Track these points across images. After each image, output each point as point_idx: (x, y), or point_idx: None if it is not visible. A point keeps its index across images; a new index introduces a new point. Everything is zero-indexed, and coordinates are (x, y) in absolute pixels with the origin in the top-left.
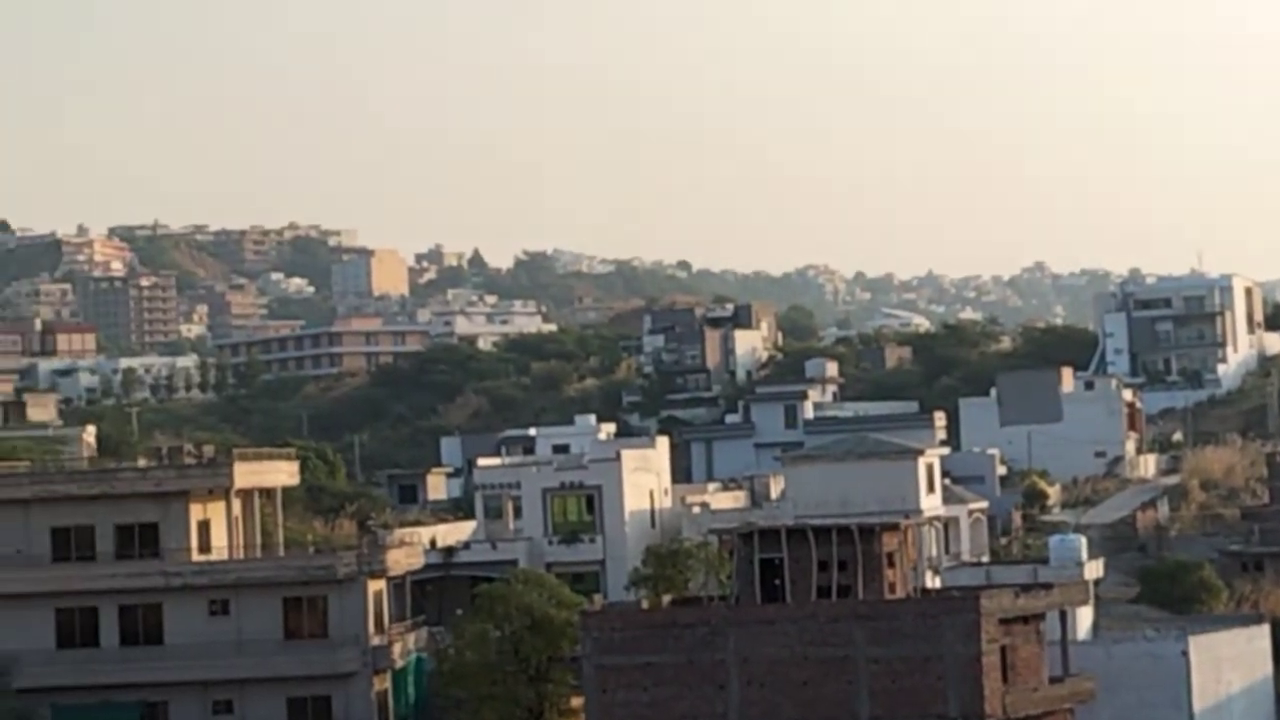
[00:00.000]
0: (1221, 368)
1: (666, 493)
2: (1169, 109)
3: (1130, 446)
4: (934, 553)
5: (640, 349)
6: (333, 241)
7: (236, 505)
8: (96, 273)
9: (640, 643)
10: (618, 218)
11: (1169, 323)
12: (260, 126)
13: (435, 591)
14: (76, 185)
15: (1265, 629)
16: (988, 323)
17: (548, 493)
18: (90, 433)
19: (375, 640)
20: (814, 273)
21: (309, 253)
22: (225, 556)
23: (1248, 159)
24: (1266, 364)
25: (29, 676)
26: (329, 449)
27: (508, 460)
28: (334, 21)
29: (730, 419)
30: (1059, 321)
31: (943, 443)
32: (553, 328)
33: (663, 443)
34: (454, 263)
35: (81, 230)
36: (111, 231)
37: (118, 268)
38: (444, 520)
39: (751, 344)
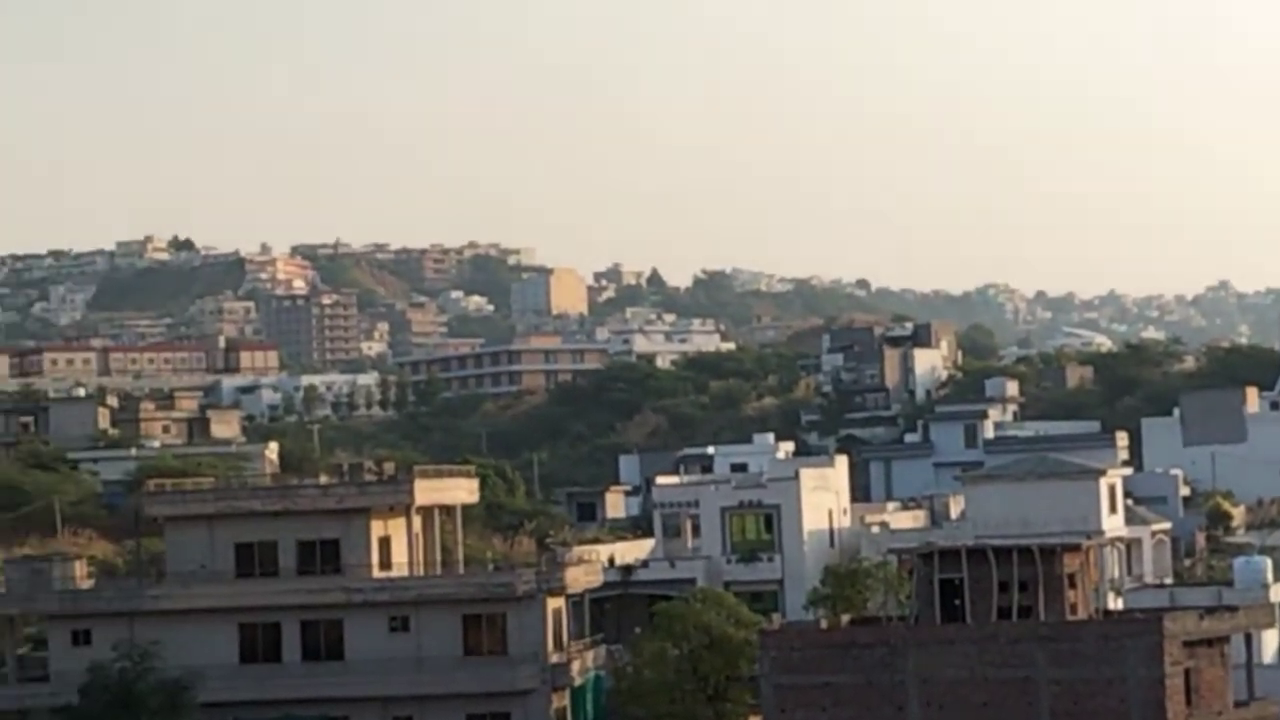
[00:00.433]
0: None
1: (845, 512)
2: None
3: None
4: (1116, 574)
5: (819, 368)
6: (512, 260)
7: (417, 522)
8: (279, 291)
9: (819, 662)
10: (797, 236)
11: None
12: (441, 146)
13: (613, 609)
14: (260, 205)
15: None
16: (1171, 342)
17: (726, 511)
18: (273, 449)
19: (554, 658)
20: (994, 291)
21: (488, 271)
22: (406, 573)
23: None
24: None
25: (212, 691)
26: (508, 467)
27: (686, 479)
28: (515, 39)
29: (909, 438)
30: (1244, 341)
31: (1125, 463)
32: (731, 346)
33: (841, 462)
34: (633, 281)
35: (265, 249)
36: (294, 250)
37: (300, 286)
38: (622, 538)
39: (931, 363)
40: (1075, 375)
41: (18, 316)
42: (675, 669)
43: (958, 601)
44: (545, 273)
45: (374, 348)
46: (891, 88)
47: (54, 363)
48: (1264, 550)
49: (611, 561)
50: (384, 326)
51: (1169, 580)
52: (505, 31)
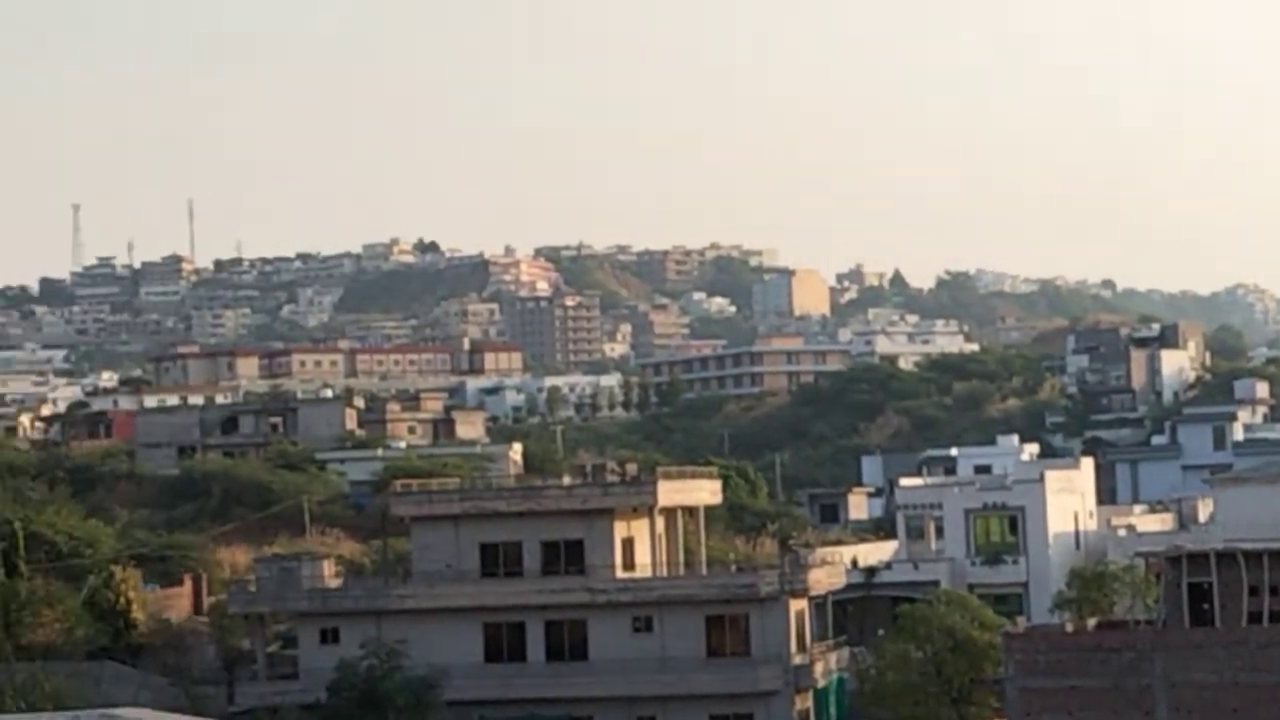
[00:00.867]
0: None
1: (1091, 514)
2: None
3: None
4: None
5: (1063, 369)
6: (754, 261)
7: (660, 523)
8: (523, 293)
9: (1064, 666)
10: (1041, 237)
11: None
12: (683, 148)
13: (856, 611)
14: (504, 207)
15: None
16: None
17: (970, 513)
18: (517, 450)
19: (797, 659)
20: (1243, 292)
21: (730, 272)
22: (649, 574)
23: None
24: None
25: (457, 689)
26: (750, 468)
27: (929, 480)
28: (769, 41)
29: (1156, 440)
30: None
31: None
32: (975, 347)
33: (1087, 464)
34: (875, 282)
35: (508, 251)
36: (537, 252)
37: (543, 288)
38: (865, 540)
39: (1178, 364)
40: None
41: (267, 318)
42: (919, 671)
43: (1206, 606)
44: (787, 274)
45: (616, 349)
46: (1138, 88)
47: (302, 364)
48: None
49: (854, 563)
50: (626, 328)
51: None
52: (757, 31)
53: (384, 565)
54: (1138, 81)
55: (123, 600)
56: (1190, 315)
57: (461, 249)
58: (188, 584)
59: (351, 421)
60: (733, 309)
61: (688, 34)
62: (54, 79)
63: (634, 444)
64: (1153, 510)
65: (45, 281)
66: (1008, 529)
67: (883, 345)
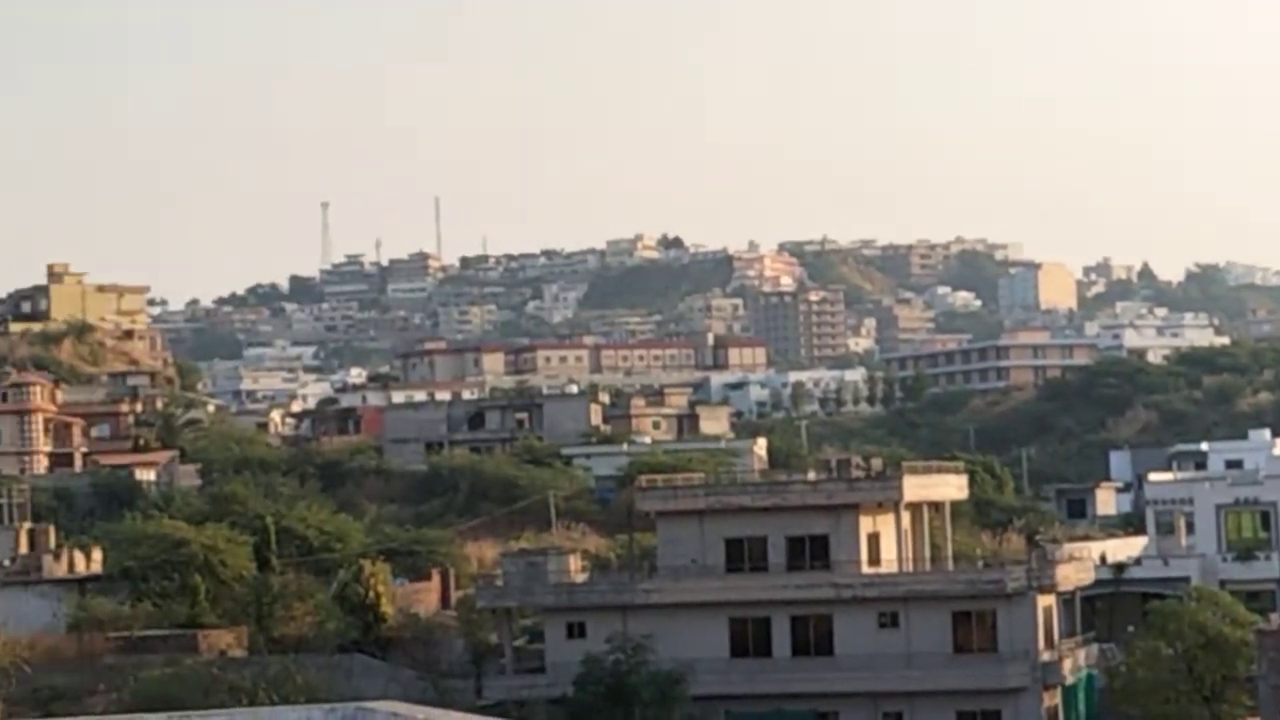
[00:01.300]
0: None
1: None
2: None
3: None
4: None
5: None
6: (999, 255)
7: (905, 518)
8: (766, 288)
9: None
10: None
11: None
12: (927, 142)
13: (1105, 608)
14: (748, 203)
15: None
16: None
17: (1221, 509)
18: (761, 445)
19: (1045, 656)
20: None
21: (975, 266)
22: (894, 569)
23: None
24: None
25: (704, 684)
26: (996, 463)
27: (1179, 475)
28: (991, 36)
29: None
30: None
31: None
32: (1225, 341)
33: None
34: (1123, 276)
35: (752, 246)
36: (781, 247)
37: (787, 283)
38: (1113, 535)
39: None
40: None
41: (512, 314)
42: (1170, 669)
43: None
44: (1033, 268)
45: (861, 344)
46: None
47: (547, 360)
48: None
49: (1103, 559)
50: (871, 323)
51: None
52: (1001, 27)
53: (630, 560)
54: None
55: (372, 594)
56: None
57: (705, 244)
58: (436, 578)
59: (596, 417)
60: (978, 303)
61: (928, 28)
62: (303, 80)
63: (879, 439)
64: None
65: (295, 279)
66: (1260, 525)
67: (1130, 339)
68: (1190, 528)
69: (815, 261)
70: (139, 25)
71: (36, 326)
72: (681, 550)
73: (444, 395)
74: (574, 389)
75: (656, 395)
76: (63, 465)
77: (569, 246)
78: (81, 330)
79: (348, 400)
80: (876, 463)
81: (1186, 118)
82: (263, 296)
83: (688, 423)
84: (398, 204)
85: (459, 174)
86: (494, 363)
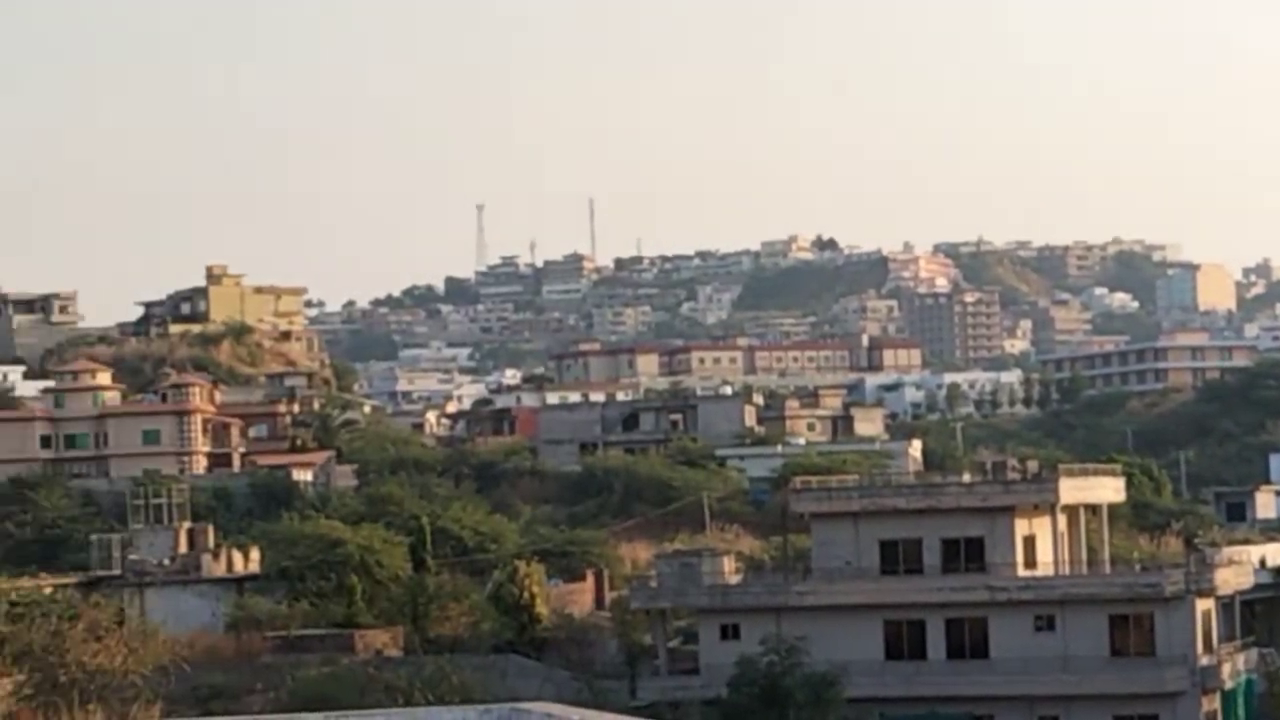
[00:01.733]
0: None
1: None
2: None
3: None
4: None
5: None
6: (1157, 256)
7: (1061, 521)
8: (921, 289)
9: None
10: None
11: None
12: (1083, 143)
13: (1265, 612)
14: (903, 204)
15: None
16: None
17: None
18: (916, 447)
19: (1203, 660)
20: None
21: (1133, 267)
22: (1050, 572)
23: None
24: None
25: (858, 686)
26: (1154, 465)
27: None
28: (1139, 39)
29: None
30: None
31: None
32: None
33: None
34: None
35: (907, 247)
36: (936, 248)
37: (942, 284)
38: (1273, 539)
39: None
40: None
41: (667, 316)
42: None
43: None
44: (1191, 269)
45: (1016, 345)
46: None
47: (701, 361)
48: None
49: (1262, 563)
50: (1026, 324)
51: None
52: (1143, 29)
53: (784, 562)
54: None
55: (527, 595)
56: None
57: (860, 245)
58: (590, 579)
59: (751, 418)
60: (1135, 304)
61: (1083, 28)
62: (458, 83)
63: (1034, 441)
64: None
65: (450, 281)
66: None
67: None
68: None
69: (971, 263)
70: (294, 26)
71: (196, 328)
72: (836, 552)
73: (598, 396)
74: (728, 390)
75: (811, 397)
76: (221, 465)
77: (723, 248)
78: (240, 332)
79: (503, 401)
80: (1032, 465)
81: None
82: (418, 298)
83: (842, 424)
84: (552, 206)
85: (614, 175)
86: (648, 364)
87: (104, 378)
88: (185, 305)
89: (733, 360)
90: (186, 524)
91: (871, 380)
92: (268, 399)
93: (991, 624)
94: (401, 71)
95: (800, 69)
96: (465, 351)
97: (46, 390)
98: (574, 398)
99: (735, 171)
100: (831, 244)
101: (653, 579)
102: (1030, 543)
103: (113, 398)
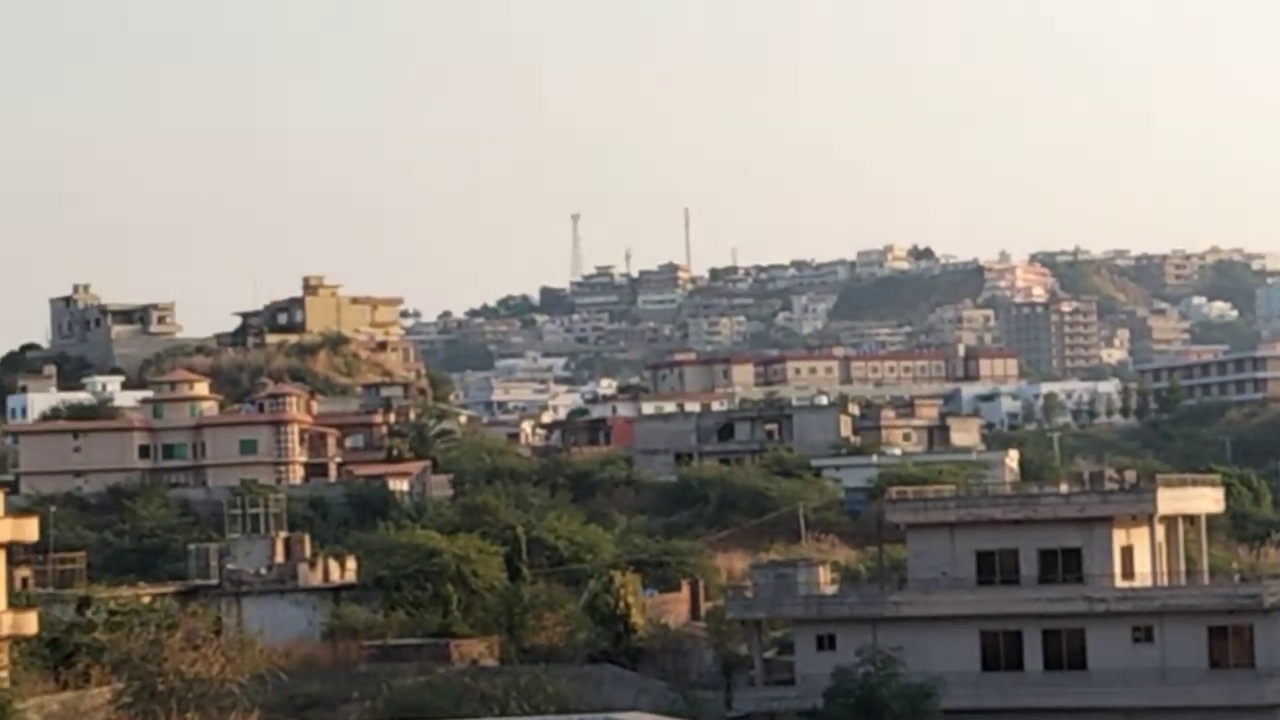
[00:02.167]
0: None
1: None
2: None
3: None
4: None
5: None
6: (1256, 264)
7: (1159, 531)
8: (1018, 298)
9: None
10: None
11: None
12: (1181, 151)
13: None
14: (999, 213)
15: None
16: None
17: None
18: (1012, 457)
19: None
20: None
21: (1232, 276)
22: (1148, 583)
23: None
24: None
25: (954, 697)
26: (1253, 475)
27: None
28: (1237, 41)
29: None
30: None
31: None
32: None
33: None
34: None
35: (1003, 256)
36: (1033, 257)
37: (1039, 293)
38: None
39: None
40: None
41: (762, 326)
42: None
43: None
44: None
45: (1114, 355)
46: None
47: (797, 371)
48: None
49: None
50: (1124, 333)
51: None
52: (1243, 30)
53: (880, 572)
54: None
55: (622, 605)
56: None
57: (956, 255)
58: (685, 589)
59: (846, 428)
60: (1234, 313)
61: (1176, 36)
62: (552, 94)
63: (1132, 451)
64: None
65: (546, 291)
66: None
67: None
68: None
69: (1068, 272)
70: (400, 43)
71: (292, 338)
72: (932, 562)
73: (693, 406)
74: (824, 400)
75: (907, 406)
76: (318, 475)
77: (819, 257)
78: (336, 342)
79: (598, 411)
80: (1130, 475)
81: None
82: (514, 308)
83: (938, 434)
84: (647, 216)
85: (709, 185)
86: (743, 374)
87: (201, 388)
88: (282, 315)
89: (828, 370)
90: (283, 533)
91: (968, 390)
92: (364, 409)
93: (1089, 635)
94: (499, 82)
95: (897, 78)
96: (560, 361)
97: (145, 400)
98: (669, 408)
99: (830, 181)
100: (927, 253)
101: (748, 589)
102: (1128, 553)
103: (210, 408)
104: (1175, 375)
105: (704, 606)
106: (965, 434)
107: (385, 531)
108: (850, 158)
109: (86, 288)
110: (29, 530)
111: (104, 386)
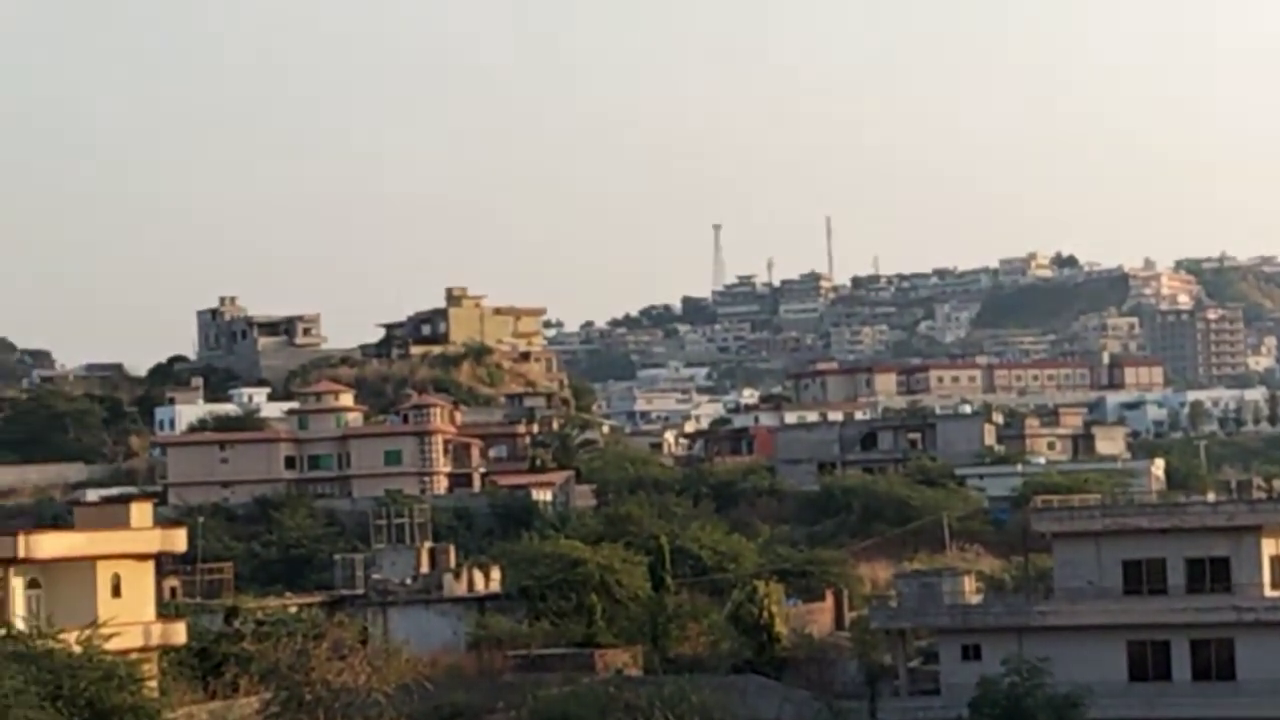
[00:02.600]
0: None
1: None
2: None
3: None
4: None
5: None
6: None
7: None
8: (1163, 306)
9: None
10: None
11: None
12: None
13: None
14: (1144, 220)
15: None
16: None
17: None
18: (1159, 466)
19: None
20: None
21: None
22: None
23: None
24: None
25: (1101, 708)
26: None
27: None
28: None
29: None
30: None
31: None
32: None
33: None
34: None
35: (1148, 264)
36: (1178, 264)
37: (1184, 301)
38: None
39: None
40: None
41: (904, 334)
42: None
43: None
44: None
45: (1261, 362)
46: None
47: (940, 380)
48: None
49: None
50: (1271, 341)
51: None
52: None
53: (1025, 582)
54: None
55: (766, 615)
56: None
57: (1100, 262)
58: (829, 599)
59: (990, 437)
60: None
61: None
62: (693, 101)
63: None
64: None
65: (688, 300)
66: None
67: None
68: None
69: (1213, 279)
70: (545, 52)
71: (436, 349)
72: (1078, 572)
73: (836, 415)
74: (967, 409)
75: (1051, 415)
76: (462, 485)
77: (961, 265)
78: (480, 352)
79: (740, 421)
80: (1278, 484)
81: None
82: (656, 318)
83: (1083, 443)
84: (789, 225)
85: (851, 194)
86: (886, 383)
87: (346, 399)
88: (426, 326)
89: (971, 379)
90: (428, 544)
91: (1113, 399)
92: (507, 419)
93: (1238, 645)
94: (641, 93)
95: (1041, 85)
96: (703, 371)
97: (291, 412)
98: (812, 417)
99: (972, 188)
100: (1071, 261)
101: (892, 599)
102: (1277, 562)
103: (355, 419)
104: None
105: (848, 616)
106: (1110, 443)
107: (529, 541)
108: (993, 165)
109: (233, 300)
110: (177, 541)
111: (250, 398)
